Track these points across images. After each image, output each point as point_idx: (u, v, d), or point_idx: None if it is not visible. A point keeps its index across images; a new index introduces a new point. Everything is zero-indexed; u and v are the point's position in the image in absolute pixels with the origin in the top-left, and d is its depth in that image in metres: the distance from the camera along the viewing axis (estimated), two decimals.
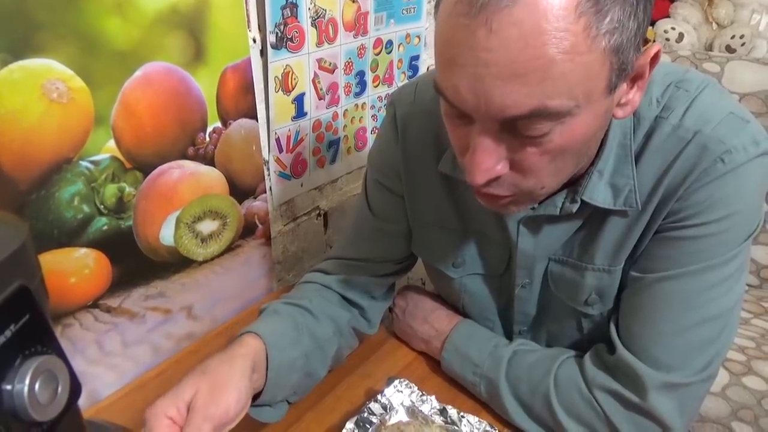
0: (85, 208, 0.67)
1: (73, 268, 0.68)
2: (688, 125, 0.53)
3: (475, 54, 0.42)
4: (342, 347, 0.75)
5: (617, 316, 0.62)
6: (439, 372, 0.75)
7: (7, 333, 0.40)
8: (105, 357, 0.74)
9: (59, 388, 0.44)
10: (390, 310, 0.84)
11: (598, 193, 0.57)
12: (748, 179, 0.53)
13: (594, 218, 0.60)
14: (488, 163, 0.47)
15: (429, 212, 0.72)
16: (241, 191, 0.86)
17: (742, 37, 1.53)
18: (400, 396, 0.65)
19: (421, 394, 0.65)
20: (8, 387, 0.39)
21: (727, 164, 0.51)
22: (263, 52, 0.83)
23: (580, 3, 0.40)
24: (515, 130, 0.46)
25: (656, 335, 0.57)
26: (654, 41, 1.58)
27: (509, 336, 0.75)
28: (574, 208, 0.58)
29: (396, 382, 0.66)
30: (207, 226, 0.82)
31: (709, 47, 1.61)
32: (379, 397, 0.65)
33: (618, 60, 0.44)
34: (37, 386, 0.41)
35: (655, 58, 0.48)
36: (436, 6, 0.47)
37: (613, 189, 0.57)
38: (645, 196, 0.56)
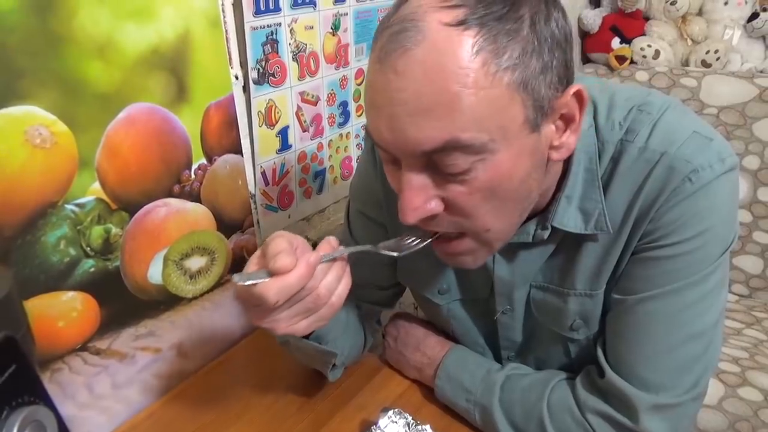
0: (72, 251, 0.67)
1: (61, 312, 0.68)
2: (654, 147, 0.54)
3: (388, 95, 0.45)
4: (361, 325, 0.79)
5: (604, 339, 0.62)
6: (434, 400, 0.74)
7: None
8: (95, 400, 0.73)
9: None
10: (383, 337, 0.84)
11: (569, 218, 0.58)
12: (718, 196, 0.53)
13: (569, 243, 0.61)
14: (416, 201, 0.49)
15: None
16: (228, 226, 0.86)
17: (716, 51, 1.56)
18: (394, 426, 0.64)
19: (415, 423, 0.65)
20: None
21: (695, 183, 0.52)
22: (246, 88, 0.84)
23: (476, 42, 0.43)
24: (438, 168, 0.47)
25: (643, 357, 0.57)
26: (632, 59, 1.61)
27: (499, 361, 0.74)
28: (546, 234, 0.59)
29: (390, 412, 0.65)
30: (195, 263, 0.82)
31: (686, 63, 1.64)
32: (373, 428, 0.64)
33: (529, 97, 0.46)
34: None
35: (580, 99, 0.49)
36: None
37: (583, 213, 0.58)
38: (619, 219, 0.57)
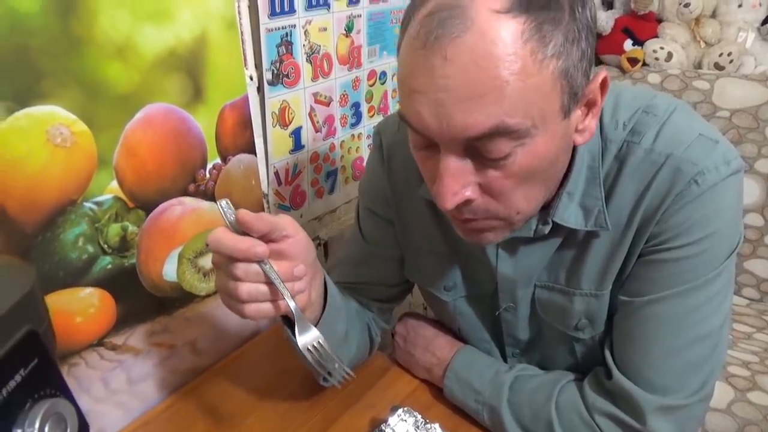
0: (90, 249, 0.68)
1: (79, 308, 0.69)
2: (660, 149, 0.55)
3: (433, 81, 0.45)
4: (367, 328, 0.80)
5: (611, 340, 0.62)
6: (443, 399, 0.75)
7: (17, 378, 0.41)
8: (111, 395, 0.75)
9: (68, 430, 0.45)
10: (392, 336, 0.85)
11: (569, 214, 0.59)
12: (724, 198, 0.54)
13: (573, 242, 0.62)
14: (456, 186, 0.49)
15: (418, 237, 0.74)
16: None
17: (729, 54, 1.55)
18: (404, 425, 0.65)
19: (425, 422, 0.65)
20: (19, 431, 0.40)
21: (702, 185, 0.53)
22: (260, 89, 0.85)
23: (524, 31, 0.43)
24: (479, 153, 0.48)
25: (650, 358, 0.58)
26: (644, 61, 1.60)
27: (504, 359, 0.76)
28: (547, 229, 0.60)
29: (400, 410, 0.66)
30: (209, 261, 0.83)
31: (698, 65, 1.63)
32: (383, 426, 0.65)
33: (567, 84, 0.47)
34: (47, 429, 0.42)
35: (603, 85, 0.51)
36: (398, 47, 0.50)
37: (583, 210, 0.59)
38: (624, 219, 0.57)
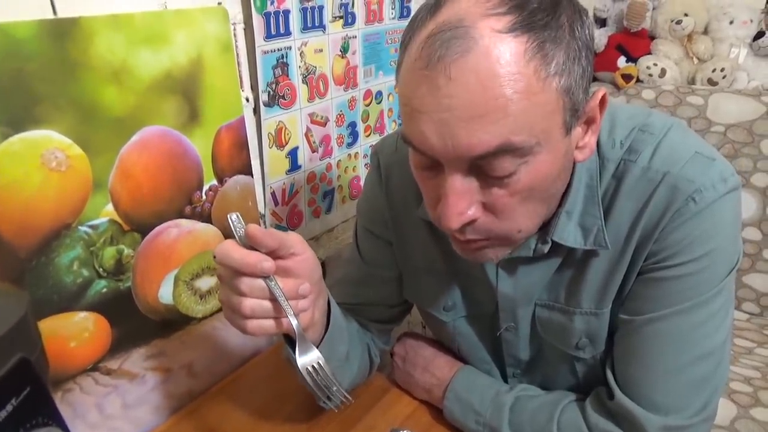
0: (85, 272, 0.68)
1: (73, 333, 0.68)
2: (657, 167, 0.55)
3: (437, 101, 0.45)
4: (367, 349, 0.79)
5: (612, 359, 0.62)
6: (443, 421, 0.74)
7: (9, 407, 0.40)
8: (106, 420, 0.74)
9: None
10: (391, 357, 0.84)
11: (568, 233, 0.58)
12: (722, 215, 0.54)
13: (572, 261, 0.61)
14: (461, 206, 0.49)
15: (417, 257, 0.73)
16: None
17: (722, 70, 1.57)
18: None
19: None
20: None
21: (699, 203, 0.53)
22: (256, 110, 0.86)
23: (527, 49, 0.44)
24: (483, 172, 0.48)
25: (652, 378, 0.57)
26: (638, 78, 1.62)
27: (505, 380, 0.75)
28: (546, 248, 0.60)
29: None
30: (205, 283, 0.83)
31: (692, 81, 1.64)
32: None
33: (569, 101, 0.47)
34: None
35: (603, 102, 0.51)
36: (398, 68, 0.50)
37: (582, 229, 0.58)
38: (622, 237, 0.57)
